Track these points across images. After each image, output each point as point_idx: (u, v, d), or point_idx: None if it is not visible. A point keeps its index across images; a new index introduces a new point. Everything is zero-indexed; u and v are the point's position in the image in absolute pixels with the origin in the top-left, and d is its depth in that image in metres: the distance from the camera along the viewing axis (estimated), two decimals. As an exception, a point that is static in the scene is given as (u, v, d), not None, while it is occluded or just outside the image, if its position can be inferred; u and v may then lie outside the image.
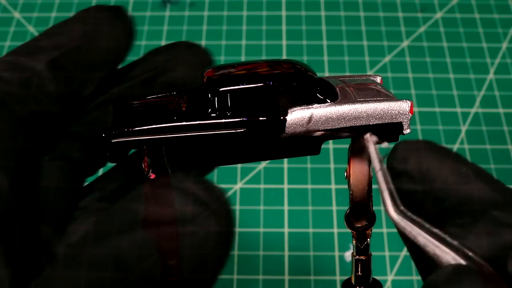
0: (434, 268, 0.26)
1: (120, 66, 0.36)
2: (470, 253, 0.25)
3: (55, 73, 0.31)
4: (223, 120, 0.32)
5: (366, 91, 0.33)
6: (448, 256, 0.25)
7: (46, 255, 0.32)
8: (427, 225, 0.27)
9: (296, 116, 0.32)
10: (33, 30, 0.82)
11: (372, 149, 0.30)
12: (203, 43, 0.81)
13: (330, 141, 0.72)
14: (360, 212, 0.32)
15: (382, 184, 0.29)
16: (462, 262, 0.25)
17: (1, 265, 0.26)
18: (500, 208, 0.26)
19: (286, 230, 0.66)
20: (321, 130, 0.32)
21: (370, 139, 0.31)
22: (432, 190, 0.28)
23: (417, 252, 0.29)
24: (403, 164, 0.29)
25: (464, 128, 0.73)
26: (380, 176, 0.29)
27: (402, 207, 0.28)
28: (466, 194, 0.27)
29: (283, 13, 0.85)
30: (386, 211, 0.28)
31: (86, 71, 0.33)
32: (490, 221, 0.26)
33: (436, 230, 0.26)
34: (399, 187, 0.29)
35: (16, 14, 0.84)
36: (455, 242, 0.26)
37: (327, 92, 0.33)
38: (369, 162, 0.31)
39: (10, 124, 0.29)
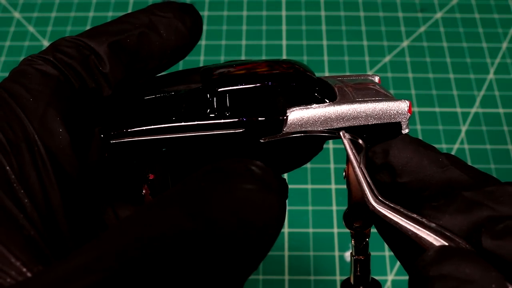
0: (414, 253, 0.27)
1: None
2: (448, 233, 0.27)
3: (113, 56, 0.32)
4: (222, 121, 0.31)
5: (364, 91, 0.33)
6: (429, 237, 0.27)
7: (97, 223, 0.33)
8: (406, 211, 0.28)
9: (295, 116, 0.32)
10: (33, 30, 0.82)
11: (348, 145, 0.31)
12: (203, 43, 0.81)
13: (330, 141, 0.72)
14: (359, 211, 0.32)
15: (361, 178, 0.30)
16: (443, 242, 0.26)
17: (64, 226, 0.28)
18: (471, 189, 0.28)
19: (286, 230, 0.66)
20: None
21: (345, 135, 0.31)
22: (413, 181, 0.30)
23: (396, 240, 0.31)
24: (383, 158, 0.31)
25: (464, 128, 0.73)
26: (358, 170, 0.30)
27: (380, 197, 0.29)
28: (441, 179, 0.29)
29: (283, 13, 0.85)
30: (367, 202, 0.30)
31: (143, 59, 0.33)
32: (462, 201, 0.27)
33: (414, 215, 0.28)
34: (381, 180, 0.31)
35: (16, 14, 0.84)
36: (433, 224, 0.27)
37: (326, 92, 0.33)
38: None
39: (70, 91, 0.31)
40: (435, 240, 0.27)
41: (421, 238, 0.27)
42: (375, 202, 0.29)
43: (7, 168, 0.27)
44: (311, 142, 0.33)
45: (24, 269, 0.25)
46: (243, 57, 0.80)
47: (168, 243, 0.22)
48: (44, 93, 0.30)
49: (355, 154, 0.31)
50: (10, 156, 0.27)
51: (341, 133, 0.32)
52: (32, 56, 0.31)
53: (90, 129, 0.32)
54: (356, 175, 0.30)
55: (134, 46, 0.33)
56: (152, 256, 0.21)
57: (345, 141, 0.31)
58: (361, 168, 0.30)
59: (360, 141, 0.31)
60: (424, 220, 0.28)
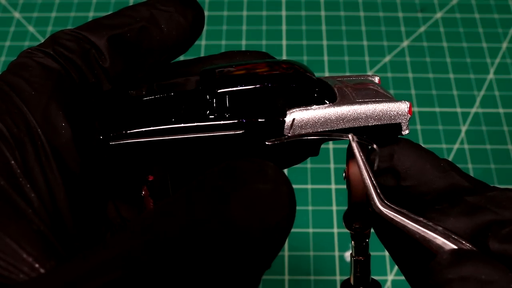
0: (419, 256, 0.28)
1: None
2: (455, 236, 0.27)
3: (113, 50, 0.32)
4: (222, 122, 0.31)
5: (364, 91, 0.33)
6: (438, 240, 0.27)
7: (100, 218, 0.33)
8: (412, 215, 0.29)
9: (295, 117, 0.32)
10: (33, 30, 0.82)
11: (355, 148, 0.31)
12: (203, 43, 0.81)
13: (330, 141, 0.72)
14: (359, 212, 0.32)
15: (367, 181, 0.30)
16: (452, 245, 0.27)
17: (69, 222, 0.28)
18: (473, 194, 0.28)
19: (286, 230, 0.66)
20: (320, 132, 0.32)
21: (353, 138, 0.31)
22: (416, 185, 0.31)
23: (398, 244, 0.31)
24: (387, 162, 0.32)
25: (464, 128, 0.73)
26: (364, 173, 0.31)
27: (386, 201, 0.30)
28: (443, 184, 0.30)
29: (283, 13, 0.85)
30: (373, 205, 0.30)
31: (143, 54, 0.33)
32: (466, 205, 0.28)
33: (420, 218, 0.28)
34: (384, 183, 0.32)
35: (16, 14, 0.84)
36: (439, 228, 0.28)
37: (326, 93, 0.33)
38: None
39: (71, 86, 0.30)
40: (444, 243, 0.27)
41: (429, 241, 0.27)
42: (382, 205, 0.29)
43: (12, 162, 0.26)
44: (312, 142, 0.33)
45: (37, 265, 0.24)
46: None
47: (186, 241, 0.22)
48: (45, 86, 0.29)
49: (363, 158, 0.31)
50: (14, 150, 0.27)
51: (349, 136, 0.31)
52: (32, 49, 0.31)
53: (90, 124, 0.31)
54: (364, 179, 0.30)
55: (135, 40, 0.32)
56: (170, 254, 0.21)
57: (354, 144, 0.31)
58: (368, 172, 0.31)
59: (375, 146, 0.31)
60: (430, 223, 0.28)
